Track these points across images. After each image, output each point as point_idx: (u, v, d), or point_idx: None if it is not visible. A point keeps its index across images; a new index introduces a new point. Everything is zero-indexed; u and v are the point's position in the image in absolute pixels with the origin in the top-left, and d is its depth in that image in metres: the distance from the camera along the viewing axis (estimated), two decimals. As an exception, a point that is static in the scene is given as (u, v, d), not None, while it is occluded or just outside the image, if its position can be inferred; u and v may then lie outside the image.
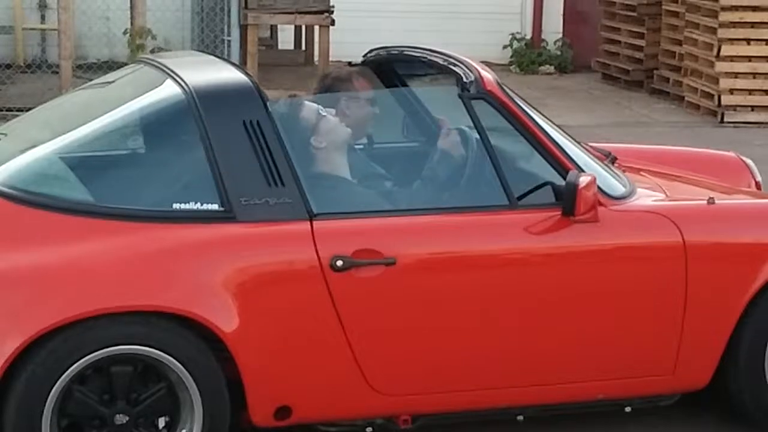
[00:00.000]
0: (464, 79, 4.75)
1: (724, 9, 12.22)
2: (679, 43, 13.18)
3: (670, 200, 5.06)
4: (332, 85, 5.18)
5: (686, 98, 12.88)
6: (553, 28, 15.87)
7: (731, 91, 12.27)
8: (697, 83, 12.68)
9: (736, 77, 12.28)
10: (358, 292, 4.43)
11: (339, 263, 4.39)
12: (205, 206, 4.40)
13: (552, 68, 15.42)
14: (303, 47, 14.34)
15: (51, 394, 4.17)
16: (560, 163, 4.71)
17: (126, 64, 6.60)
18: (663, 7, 13.62)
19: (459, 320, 4.57)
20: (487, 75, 4.77)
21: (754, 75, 12.29)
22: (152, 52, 10.81)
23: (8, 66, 12.46)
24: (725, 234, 4.88)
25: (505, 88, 4.79)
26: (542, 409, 4.81)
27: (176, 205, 4.40)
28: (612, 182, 4.91)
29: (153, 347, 4.24)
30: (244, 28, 12.13)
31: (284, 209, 4.42)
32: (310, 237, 4.41)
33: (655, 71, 13.75)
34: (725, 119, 12.18)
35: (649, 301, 4.73)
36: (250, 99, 4.56)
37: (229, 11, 12.02)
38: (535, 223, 4.63)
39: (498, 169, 4.65)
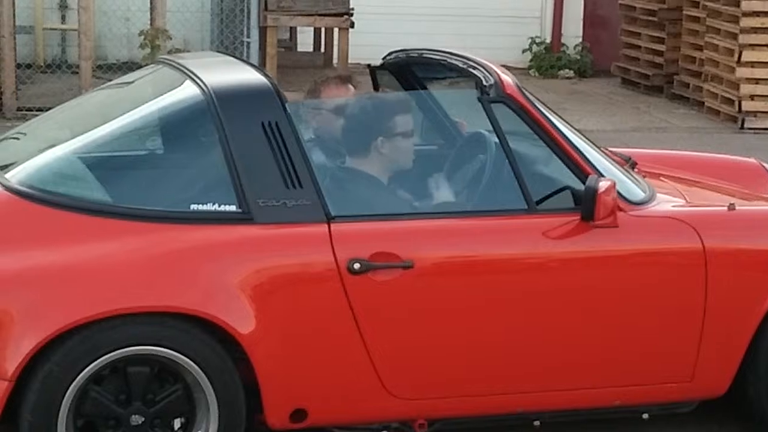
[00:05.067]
0: (484, 83, 4.73)
1: (745, 14, 12.16)
2: (700, 48, 13.12)
3: (690, 206, 5.03)
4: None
5: (706, 104, 12.82)
6: (573, 33, 15.83)
7: (752, 97, 12.20)
8: (717, 89, 12.62)
9: (757, 83, 12.21)
10: (375, 295, 4.42)
11: (356, 266, 4.38)
12: (223, 207, 4.39)
13: (571, 72, 15.38)
14: (322, 49, 14.33)
15: (67, 393, 4.17)
16: (580, 167, 4.69)
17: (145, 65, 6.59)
18: (684, 12, 13.55)
19: (475, 324, 4.55)
20: (507, 78, 4.75)
21: (775, 81, 12.25)
22: (169, 52, 10.82)
23: (28, 66, 12.49)
24: (745, 240, 4.85)
25: (524, 91, 4.77)
26: (559, 415, 4.79)
27: (194, 206, 4.39)
28: (631, 187, 4.88)
29: (169, 348, 4.24)
30: (263, 30, 12.12)
31: (302, 211, 4.41)
32: (328, 239, 4.39)
33: (675, 76, 13.69)
34: (745, 125, 12.11)
35: (667, 307, 4.71)
36: (268, 100, 4.54)
37: (248, 13, 12.00)
38: (553, 227, 4.61)
39: (517, 173, 4.63)
